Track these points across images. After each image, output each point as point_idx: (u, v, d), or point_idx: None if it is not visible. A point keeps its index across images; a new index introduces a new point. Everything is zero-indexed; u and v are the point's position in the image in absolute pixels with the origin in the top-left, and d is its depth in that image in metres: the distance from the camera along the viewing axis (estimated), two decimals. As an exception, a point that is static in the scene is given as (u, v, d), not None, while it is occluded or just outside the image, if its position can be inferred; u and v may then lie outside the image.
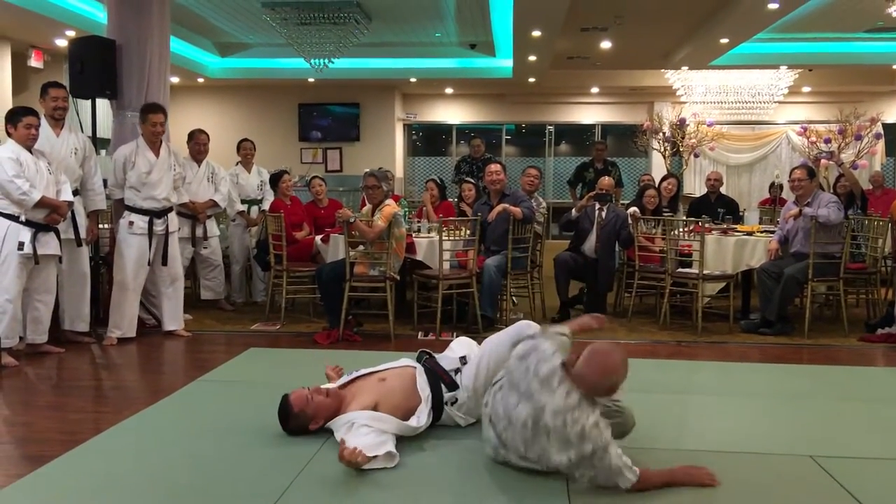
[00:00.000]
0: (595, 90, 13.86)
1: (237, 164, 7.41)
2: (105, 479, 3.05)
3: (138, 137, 5.77)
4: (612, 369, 2.90)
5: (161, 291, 5.89)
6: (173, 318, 5.92)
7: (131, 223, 5.67)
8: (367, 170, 6.12)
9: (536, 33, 8.96)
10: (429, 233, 6.47)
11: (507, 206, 6.23)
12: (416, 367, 3.65)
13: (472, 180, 7.64)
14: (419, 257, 6.20)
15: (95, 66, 5.89)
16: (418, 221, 6.78)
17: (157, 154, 5.74)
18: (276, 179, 7.15)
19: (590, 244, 6.70)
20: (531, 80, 12.27)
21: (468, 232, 6.26)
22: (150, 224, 5.70)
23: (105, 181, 5.84)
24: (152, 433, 3.63)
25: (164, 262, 5.81)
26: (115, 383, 4.83)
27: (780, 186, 10.05)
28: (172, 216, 5.89)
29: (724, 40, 9.63)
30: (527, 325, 3.64)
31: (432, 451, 3.36)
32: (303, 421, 3.43)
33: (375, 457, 3.08)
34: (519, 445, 2.98)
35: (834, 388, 4.63)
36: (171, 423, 3.79)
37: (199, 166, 6.67)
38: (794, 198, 6.36)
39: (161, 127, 5.73)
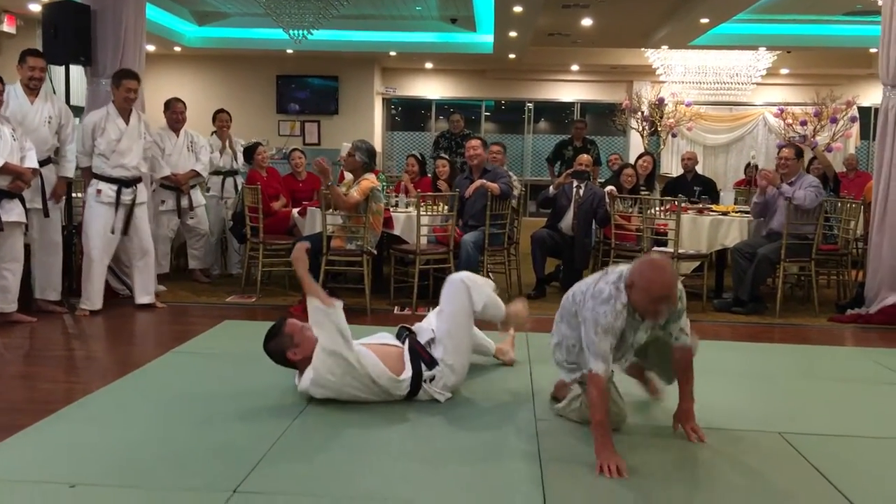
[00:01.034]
0: (575, 68, 13.83)
1: (212, 134, 7.33)
2: (76, 449, 3.03)
3: (109, 104, 5.69)
4: (662, 285, 2.97)
5: (132, 264, 5.83)
6: (144, 291, 5.83)
7: (99, 191, 5.59)
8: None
9: (518, 9, 8.91)
10: (406, 208, 6.46)
11: (484, 181, 6.25)
12: (402, 348, 3.67)
13: (446, 157, 7.62)
14: (396, 232, 6.19)
15: (69, 32, 5.78)
16: (396, 196, 6.76)
17: (127, 121, 5.66)
18: (251, 152, 7.09)
19: (567, 221, 6.72)
20: (511, 56, 12.22)
21: (446, 208, 6.26)
22: (119, 193, 5.63)
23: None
24: (125, 403, 3.61)
25: (125, 232, 5.73)
26: (87, 353, 4.79)
27: (756, 167, 10.09)
28: (141, 187, 5.81)
29: (705, 20, 9.64)
30: (467, 277, 3.78)
31: (412, 423, 3.38)
32: (284, 345, 3.49)
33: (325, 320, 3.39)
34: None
35: (804, 366, 4.71)
36: (144, 393, 3.77)
37: (178, 136, 6.60)
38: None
39: (134, 94, 5.64)
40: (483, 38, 11.52)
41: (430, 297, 6.30)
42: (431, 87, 14.28)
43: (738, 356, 4.91)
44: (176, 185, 6.44)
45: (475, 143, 6.57)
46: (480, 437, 3.25)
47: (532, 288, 6.66)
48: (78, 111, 6.52)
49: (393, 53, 12.45)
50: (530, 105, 14.59)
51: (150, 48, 11.30)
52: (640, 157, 8.04)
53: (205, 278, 7.00)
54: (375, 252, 5.99)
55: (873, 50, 10.44)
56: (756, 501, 2.75)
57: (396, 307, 6.02)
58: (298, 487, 2.73)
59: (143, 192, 5.83)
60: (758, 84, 12.66)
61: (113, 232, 5.66)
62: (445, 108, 14.46)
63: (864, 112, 13.15)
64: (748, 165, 10.14)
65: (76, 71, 6.26)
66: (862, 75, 12.95)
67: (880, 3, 6.19)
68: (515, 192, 6.79)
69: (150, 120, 6.04)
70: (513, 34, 10.44)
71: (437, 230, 6.24)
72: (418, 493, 2.71)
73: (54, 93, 5.87)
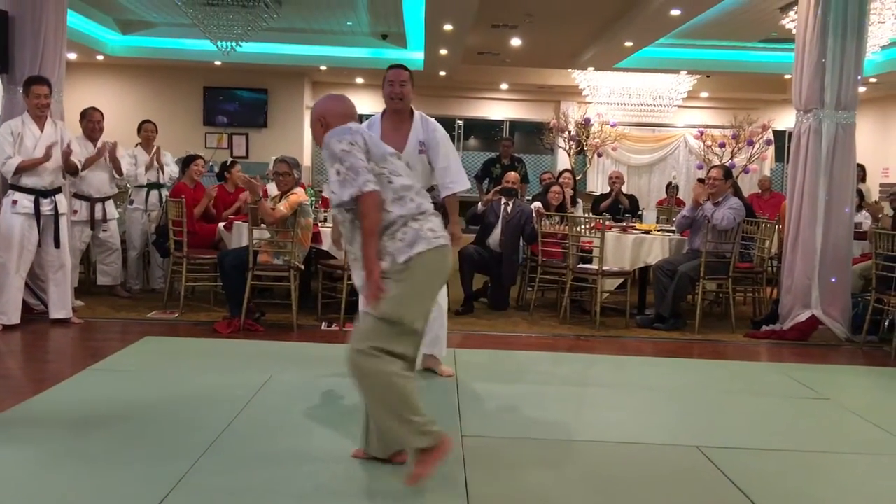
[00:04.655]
0: (504, 87, 14.02)
1: (137, 145, 7.16)
2: (-15, 472, 2.91)
3: (24, 113, 5.52)
4: None
5: (48, 276, 5.63)
6: (60, 305, 5.64)
7: (15, 202, 5.40)
8: (279, 156, 6.07)
9: (448, 27, 8.99)
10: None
11: None
12: None
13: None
14: (325, 247, 6.15)
15: (-16, 38, 5.60)
16: (325, 211, 6.73)
17: (41, 130, 5.49)
18: (187, 163, 6.95)
19: (495, 238, 6.79)
20: (442, 73, 12.31)
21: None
22: (37, 204, 5.44)
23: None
24: (39, 423, 3.48)
25: (57, 245, 5.56)
26: (-2, 371, 4.61)
27: (676, 187, 10.43)
28: (61, 197, 5.63)
29: (629, 43, 9.90)
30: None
31: (330, 445, 3.35)
32: None
33: None
34: None
35: (721, 381, 4.85)
36: (58, 413, 3.64)
37: (96, 146, 6.42)
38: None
39: (45, 99, 5.47)
40: (414, 54, 11.57)
41: (357, 313, 6.28)
42: (362, 103, 14.19)
43: (659, 371, 5.03)
44: (90, 196, 6.30)
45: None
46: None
47: (460, 304, 6.69)
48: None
49: (323, 68, 12.39)
50: (460, 122, 14.70)
51: (72, 56, 10.99)
52: (560, 174, 8.22)
53: (125, 293, 6.81)
54: (303, 267, 5.94)
55: (787, 76, 10.91)
56: (674, 514, 2.82)
57: (324, 323, 5.97)
58: (220, 508, 2.68)
59: (62, 202, 5.65)
60: (679, 106, 13.05)
61: (40, 245, 5.49)
62: (376, 123, 14.42)
63: (779, 135, 13.68)
64: (669, 185, 10.45)
65: (-9, 78, 6.04)
66: (777, 100, 13.49)
67: (794, 31, 6.49)
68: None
69: (69, 130, 5.87)
70: (443, 52, 10.53)
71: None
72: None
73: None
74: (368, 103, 14.22)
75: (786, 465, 3.35)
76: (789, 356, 5.62)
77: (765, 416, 4.07)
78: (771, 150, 13.56)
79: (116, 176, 6.58)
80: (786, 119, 13.56)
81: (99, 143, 6.42)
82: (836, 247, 6.05)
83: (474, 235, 7.06)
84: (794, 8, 7.22)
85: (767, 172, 12.97)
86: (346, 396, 4.05)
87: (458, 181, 4.34)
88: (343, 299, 5.86)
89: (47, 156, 5.40)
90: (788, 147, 6.70)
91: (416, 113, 4.43)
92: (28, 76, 5.58)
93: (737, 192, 6.82)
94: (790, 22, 7.98)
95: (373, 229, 2.77)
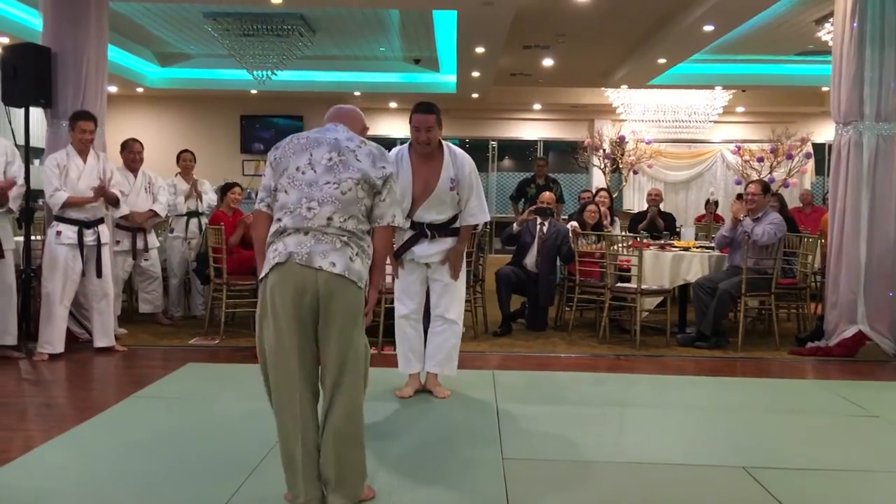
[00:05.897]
0: (537, 107, 14.04)
1: (176, 175, 7.29)
2: (34, 499, 2.95)
3: (68, 145, 5.65)
4: None
5: (92, 306, 5.73)
6: (103, 333, 5.72)
7: (59, 233, 5.52)
8: None
9: (480, 50, 9.05)
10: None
11: None
12: None
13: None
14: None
15: (29, 74, 5.74)
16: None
17: (85, 162, 5.62)
18: (224, 191, 7.06)
19: (531, 258, 6.77)
20: (475, 95, 12.38)
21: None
22: (80, 235, 5.56)
23: (40, 192, 5.69)
24: (84, 450, 3.53)
25: (99, 275, 5.67)
26: (44, 400, 4.67)
27: (716, 203, 10.32)
28: (103, 228, 5.75)
29: (662, 60, 9.87)
30: None
31: (373, 469, 3.35)
32: None
33: None
34: None
35: (766, 400, 4.75)
36: (104, 439, 3.69)
37: (135, 177, 6.55)
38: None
39: (90, 135, 5.61)
40: (446, 77, 11.67)
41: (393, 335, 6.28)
42: (396, 127, 14.37)
43: (701, 390, 4.95)
44: (132, 226, 6.40)
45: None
46: (445, 480, 3.22)
47: (498, 325, 6.66)
48: (38, 153, 6.46)
49: (357, 93, 12.53)
50: (494, 143, 14.75)
51: (113, 89, 11.26)
52: (596, 192, 8.18)
53: (167, 320, 6.90)
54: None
55: (825, 88, 10.78)
56: (722, 537, 2.76)
57: (362, 347, 5.97)
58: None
59: (105, 233, 5.77)
60: (715, 122, 12.96)
61: (84, 274, 5.59)
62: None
63: (819, 148, 13.49)
64: (708, 201, 10.34)
65: (36, 113, 6.21)
66: (815, 113, 13.30)
67: (831, 43, 6.41)
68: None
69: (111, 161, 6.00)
70: (475, 74, 10.59)
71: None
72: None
73: (13, 135, 5.81)
74: (402, 127, 14.33)
75: (835, 485, 3.27)
76: (836, 373, 5.50)
77: (812, 435, 3.98)
78: (811, 164, 13.38)
79: (160, 215, 6.71)
80: (825, 132, 13.37)
81: (139, 175, 6.56)
82: (881, 260, 5.92)
83: (510, 256, 7.05)
84: (830, 20, 7.14)
85: (808, 186, 12.79)
86: (384, 419, 4.05)
87: (477, 215, 4.53)
88: (381, 322, 5.88)
89: (97, 197, 5.54)
90: (829, 160, 6.58)
91: (445, 146, 4.47)
92: (75, 111, 5.71)
93: (782, 208, 6.70)
94: (826, 34, 7.88)
95: (255, 246, 3.08)
